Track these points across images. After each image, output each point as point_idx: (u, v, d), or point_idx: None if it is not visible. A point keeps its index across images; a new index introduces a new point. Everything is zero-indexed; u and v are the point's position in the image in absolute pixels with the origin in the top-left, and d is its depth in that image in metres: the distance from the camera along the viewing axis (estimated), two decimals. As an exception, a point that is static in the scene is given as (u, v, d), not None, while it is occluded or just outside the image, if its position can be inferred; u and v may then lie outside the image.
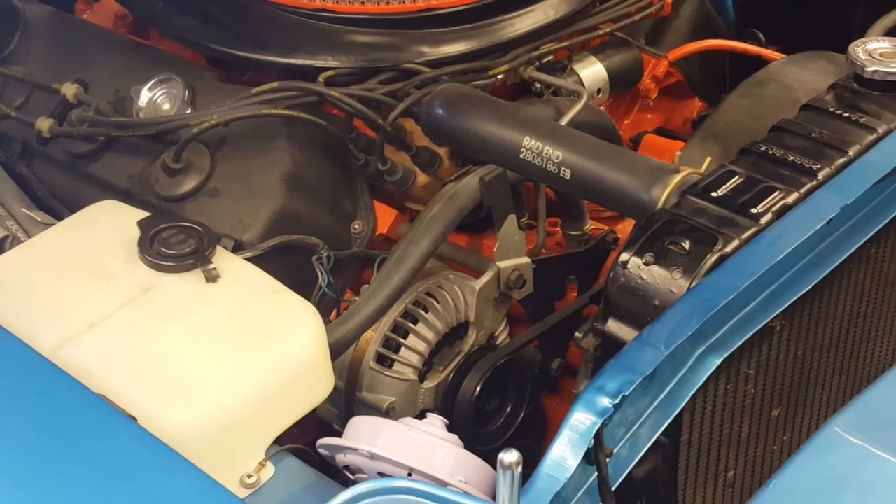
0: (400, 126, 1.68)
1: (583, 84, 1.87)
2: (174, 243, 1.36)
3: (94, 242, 1.40)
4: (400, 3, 1.74)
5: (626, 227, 1.76)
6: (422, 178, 1.73)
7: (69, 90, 1.74)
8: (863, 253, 1.42)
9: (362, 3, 1.74)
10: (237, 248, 1.58)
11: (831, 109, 1.45)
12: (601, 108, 1.94)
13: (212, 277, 1.33)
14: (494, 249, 1.62)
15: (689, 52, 2.01)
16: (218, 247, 1.39)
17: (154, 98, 1.73)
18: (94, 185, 1.72)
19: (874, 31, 1.56)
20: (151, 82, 1.73)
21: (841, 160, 1.37)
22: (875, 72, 1.45)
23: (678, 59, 2.00)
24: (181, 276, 1.34)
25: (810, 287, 1.34)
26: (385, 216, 1.75)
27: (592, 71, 1.90)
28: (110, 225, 1.42)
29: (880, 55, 1.47)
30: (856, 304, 1.47)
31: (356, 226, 1.71)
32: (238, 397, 1.23)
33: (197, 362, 1.24)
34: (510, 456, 0.98)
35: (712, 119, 1.70)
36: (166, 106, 1.72)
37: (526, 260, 1.63)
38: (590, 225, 1.77)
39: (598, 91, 1.91)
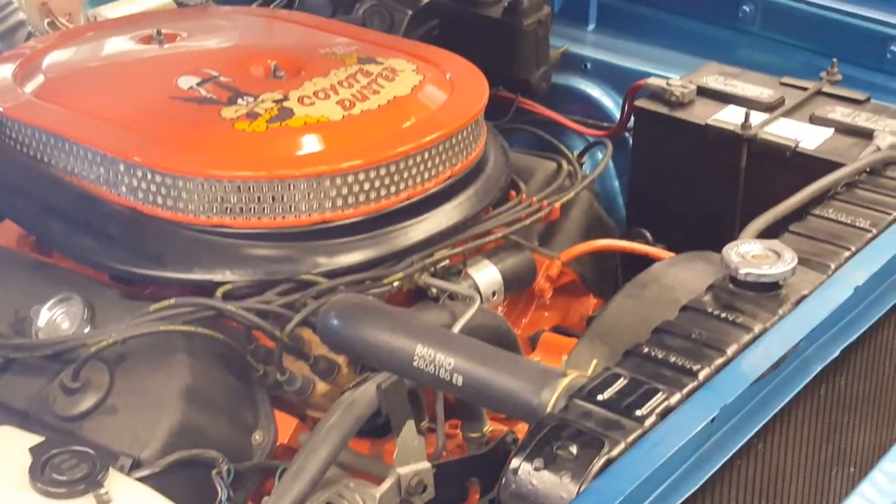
0: (298, 336, 1.71)
1: (478, 288, 1.92)
2: (66, 469, 1.35)
3: (-14, 471, 1.38)
4: (295, 217, 1.79)
5: (524, 427, 1.78)
6: (321, 386, 1.75)
7: (-32, 313, 1.75)
8: (750, 448, 1.46)
9: (258, 218, 1.79)
10: (135, 466, 1.57)
11: (709, 310, 1.51)
12: (497, 308, 2.00)
13: (103, 503, 1.32)
14: (394, 455, 1.63)
15: (581, 252, 2.08)
16: (112, 469, 1.38)
17: (53, 318, 1.74)
18: None
19: (746, 234, 1.64)
20: (51, 302, 1.74)
21: (720, 360, 1.42)
22: (748, 273, 1.52)
23: (571, 259, 2.07)
24: (74, 502, 1.33)
25: (699, 486, 1.36)
26: (286, 425, 1.75)
27: (487, 274, 1.96)
28: (3, 452, 1.40)
29: (752, 257, 1.54)
30: (748, 500, 1.50)
31: (257, 436, 1.72)
32: None
33: None
34: None
35: (599, 321, 1.75)
36: (65, 325, 1.73)
37: (426, 465, 1.64)
38: (489, 426, 1.80)
39: (494, 293, 1.96)
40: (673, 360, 1.42)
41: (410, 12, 2.59)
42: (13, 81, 2.04)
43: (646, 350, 1.44)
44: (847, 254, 1.63)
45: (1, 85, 2.03)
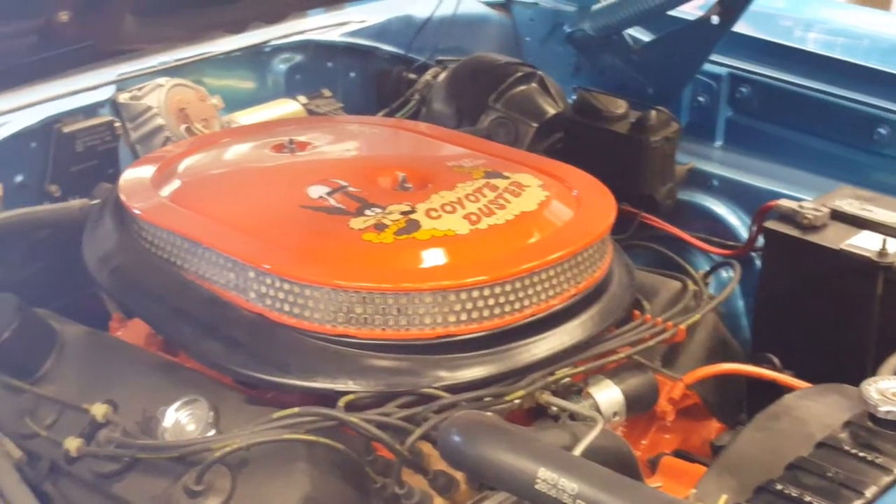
0: (417, 450, 1.70)
1: (598, 408, 1.89)
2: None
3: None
4: (419, 329, 1.80)
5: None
6: (439, 501, 1.73)
7: (99, 410, 1.78)
8: None
9: (382, 329, 1.79)
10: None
11: (846, 448, 1.46)
12: (617, 429, 1.96)
13: None
14: (513, 580, 1.59)
15: (705, 375, 2.03)
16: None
17: (179, 419, 1.76)
18: None
19: (885, 370, 1.59)
20: (177, 403, 1.76)
21: (858, 502, 1.37)
22: (888, 412, 1.47)
23: (694, 382, 2.03)
24: None
25: None
26: (402, 540, 1.73)
27: (608, 394, 1.93)
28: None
29: (892, 394, 1.49)
30: None
31: (373, 549, 1.70)
32: None
33: None
34: None
35: (727, 453, 1.70)
36: (191, 427, 1.75)
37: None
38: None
39: (615, 414, 1.93)
40: (808, 499, 1.38)
41: (536, 125, 2.63)
42: (151, 185, 2.10)
43: (779, 487, 1.40)
44: None
45: (139, 188, 2.10)
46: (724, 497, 1.40)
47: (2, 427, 1.87)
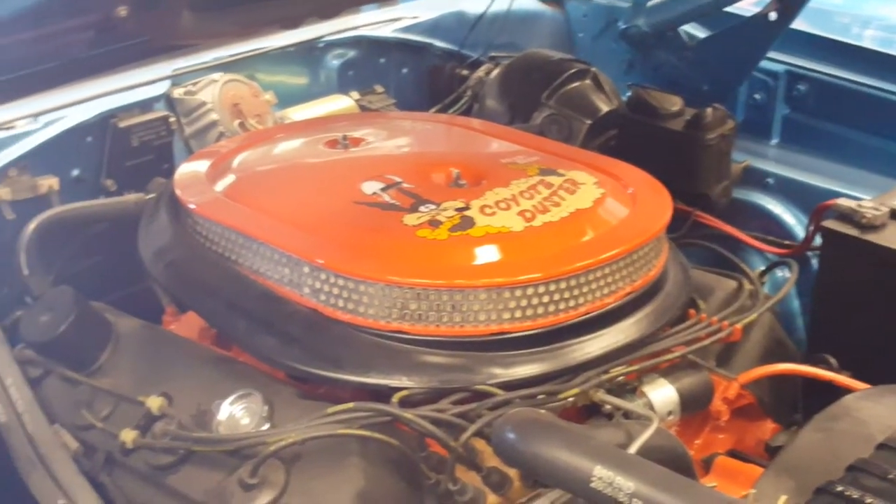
0: (471, 446, 1.69)
1: (653, 407, 1.88)
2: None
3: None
4: (473, 326, 1.79)
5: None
6: (492, 498, 1.73)
7: (154, 403, 1.80)
8: None
9: (436, 325, 1.79)
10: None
11: (908, 450, 1.44)
12: (672, 428, 1.95)
13: None
14: (566, 578, 1.59)
15: (761, 375, 2.01)
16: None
17: (234, 413, 1.77)
18: (171, 497, 1.74)
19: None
20: (232, 397, 1.78)
21: (920, 512, 1.35)
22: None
23: (749, 382, 2.01)
24: None
25: None
26: (455, 537, 1.73)
27: (663, 393, 1.92)
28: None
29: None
30: None
31: (426, 545, 1.70)
32: None
33: None
34: None
35: (786, 453, 1.68)
36: (245, 420, 1.76)
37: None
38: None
39: (669, 413, 1.92)
40: (869, 501, 1.36)
41: (589, 122, 2.61)
42: (205, 180, 2.11)
43: (839, 488, 1.39)
44: None
45: (194, 183, 2.11)
46: (783, 498, 1.39)
47: (59, 418, 1.90)
